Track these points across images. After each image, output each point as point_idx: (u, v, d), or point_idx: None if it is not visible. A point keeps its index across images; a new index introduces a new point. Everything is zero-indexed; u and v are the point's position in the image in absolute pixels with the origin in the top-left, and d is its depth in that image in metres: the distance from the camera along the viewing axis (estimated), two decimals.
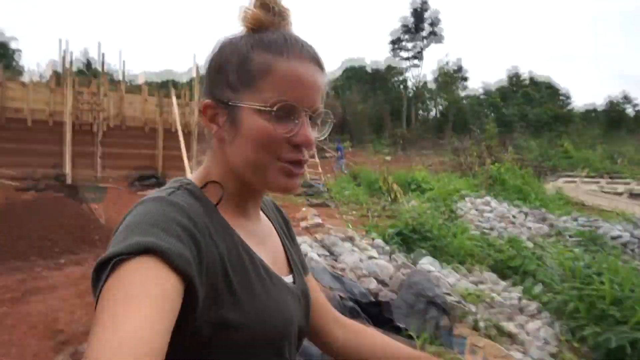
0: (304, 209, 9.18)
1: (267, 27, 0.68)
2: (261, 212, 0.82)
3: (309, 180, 13.31)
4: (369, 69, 37.82)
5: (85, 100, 12.09)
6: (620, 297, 3.72)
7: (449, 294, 3.96)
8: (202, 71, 0.73)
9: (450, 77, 35.29)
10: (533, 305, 4.35)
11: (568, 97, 37.22)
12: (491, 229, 7.33)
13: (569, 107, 35.68)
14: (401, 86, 37.52)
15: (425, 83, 37.34)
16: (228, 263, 0.64)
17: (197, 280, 0.55)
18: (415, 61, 37.35)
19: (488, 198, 9.02)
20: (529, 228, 7.38)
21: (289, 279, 0.77)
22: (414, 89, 36.95)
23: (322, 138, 0.72)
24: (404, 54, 37.85)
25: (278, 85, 0.64)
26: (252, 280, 0.66)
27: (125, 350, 0.43)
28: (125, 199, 9.46)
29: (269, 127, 0.64)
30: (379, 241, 5.48)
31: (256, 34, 0.68)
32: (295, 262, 0.83)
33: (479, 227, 7.30)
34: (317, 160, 15.86)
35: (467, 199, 9.09)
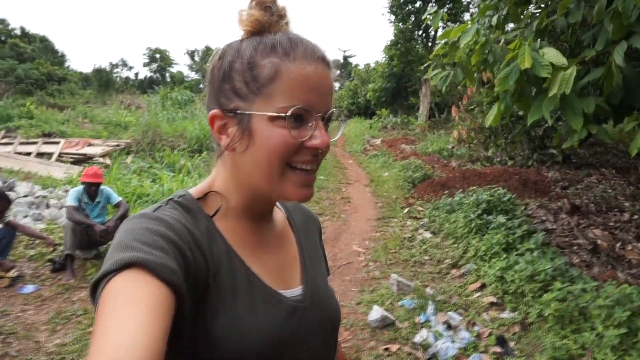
0: None
1: (266, 28, 0.65)
2: (281, 220, 0.82)
3: None
4: None
5: None
6: None
7: None
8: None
9: None
10: None
11: (65, 57, 37.89)
12: None
13: (67, 68, 36.15)
14: None
15: None
16: (214, 275, 0.64)
17: (185, 290, 0.55)
18: None
19: None
20: None
21: (294, 291, 0.74)
22: None
23: (335, 139, 0.69)
24: None
25: (289, 89, 0.62)
26: (238, 295, 0.65)
27: (118, 358, 0.43)
28: None
29: (285, 134, 0.62)
30: None
31: (257, 36, 0.65)
32: (310, 272, 0.79)
33: None
34: None
35: None
